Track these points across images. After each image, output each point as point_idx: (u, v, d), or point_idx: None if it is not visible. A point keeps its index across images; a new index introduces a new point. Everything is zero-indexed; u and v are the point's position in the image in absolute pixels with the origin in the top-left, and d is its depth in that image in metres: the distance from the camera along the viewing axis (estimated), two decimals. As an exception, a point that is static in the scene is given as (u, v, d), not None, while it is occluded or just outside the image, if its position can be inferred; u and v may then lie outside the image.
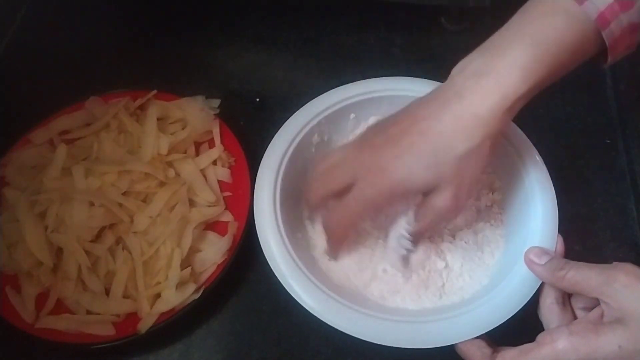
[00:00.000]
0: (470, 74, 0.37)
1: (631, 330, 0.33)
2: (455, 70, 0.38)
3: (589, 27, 0.36)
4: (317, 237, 0.45)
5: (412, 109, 0.39)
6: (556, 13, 0.36)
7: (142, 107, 0.53)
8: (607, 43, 0.36)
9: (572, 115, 0.56)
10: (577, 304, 0.38)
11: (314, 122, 0.47)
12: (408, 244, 0.42)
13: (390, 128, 0.39)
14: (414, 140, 0.37)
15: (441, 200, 0.38)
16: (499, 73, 0.36)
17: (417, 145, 0.37)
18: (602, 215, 0.50)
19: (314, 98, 0.48)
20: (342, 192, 0.40)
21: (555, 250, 0.40)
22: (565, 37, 0.36)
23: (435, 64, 0.59)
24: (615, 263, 0.35)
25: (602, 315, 0.35)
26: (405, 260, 0.42)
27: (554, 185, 0.43)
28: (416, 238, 0.42)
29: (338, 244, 0.43)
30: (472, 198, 0.46)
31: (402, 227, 0.41)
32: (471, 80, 0.37)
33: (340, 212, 0.40)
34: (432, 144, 0.37)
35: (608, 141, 0.55)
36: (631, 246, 0.49)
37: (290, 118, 0.47)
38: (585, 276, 0.36)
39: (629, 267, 0.34)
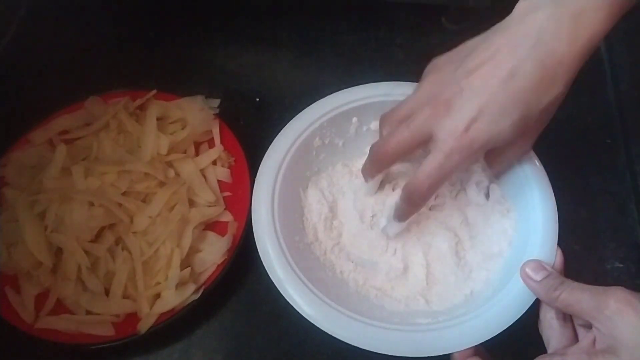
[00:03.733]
0: (550, 14, 0.34)
1: None
2: (526, 4, 0.36)
3: None
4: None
5: (490, 44, 0.36)
6: None
7: (142, 107, 0.53)
8: None
9: (573, 115, 0.56)
10: (576, 320, 0.37)
11: (316, 125, 0.47)
12: (485, 187, 0.45)
13: (470, 64, 0.36)
14: (496, 92, 0.35)
15: (519, 150, 0.39)
16: (583, 13, 0.34)
17: (501, 98, 0.35)
18: (603, 215, 0.50)
19: (314, 98, 0.48)
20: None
21: (554, 265, 0.39)
22: None
23: (436, 63, 0.59)
24: (607, 287, 0.34)
25: (594, 341, 0.35)
26: (487, 196, 0.45)
27: (553, 184, 0.43)
28: (493, 177, 0.44)
29: (415, 209, 0.40)
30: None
31: (478, 174, 0.44)
32: (552, 21, 0.34)
33: (422, 182, 0.37)
34: (516, 95, 0.35)
35: (608, 141, 0.54)
36: (631, 247, 0.49)
37: (291, 121, 0.47)
38: (577, 299, 0.35)
39: (620, 292, 0.33)
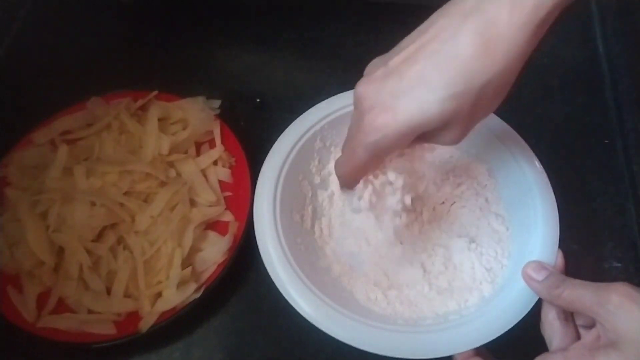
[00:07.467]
0: None
1: (625, 355, 0.32)
2: None
3: None
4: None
5: (419, 29, 0.32)
6: None
7: (143, 108, 0.53)
8: None
9: (571, 115, 0.56)
10: (578, 321, 0.37)
11: (317, 127, 0.47)
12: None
13: (393, 57, 0.32)
14: (422, 69, 0.30)
15: (450, 137, 0.32)
16: None
17: (427, 76, 0.30)
18: (601, 215, 0.50)
19: (314, 99, 0.48)
20: None
21: (555, 266, 0.39)
22: None
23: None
24: (609, 283, 0.34)
25: (598, 337, 0.35)
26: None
27: (552, 184, 0.43)
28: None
29: (349, 188, 0.38)
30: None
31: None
32: None
33: (347, 161, 0.34)
34: (446, 71, 0.30)
35: (606, 141, 0.55)
36: (629, 246, 0.49)
37: (292, 123, 0.47)
38: (579, 295, 0.35)
39: (621, 287, 0.33)
